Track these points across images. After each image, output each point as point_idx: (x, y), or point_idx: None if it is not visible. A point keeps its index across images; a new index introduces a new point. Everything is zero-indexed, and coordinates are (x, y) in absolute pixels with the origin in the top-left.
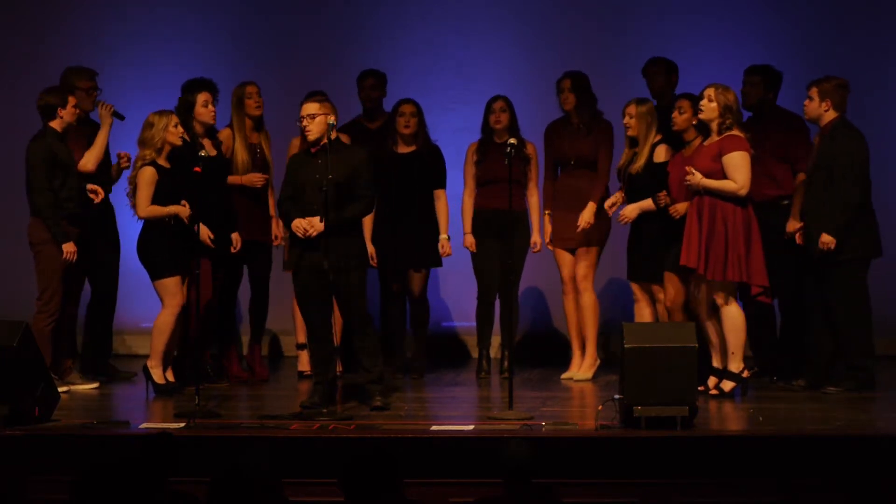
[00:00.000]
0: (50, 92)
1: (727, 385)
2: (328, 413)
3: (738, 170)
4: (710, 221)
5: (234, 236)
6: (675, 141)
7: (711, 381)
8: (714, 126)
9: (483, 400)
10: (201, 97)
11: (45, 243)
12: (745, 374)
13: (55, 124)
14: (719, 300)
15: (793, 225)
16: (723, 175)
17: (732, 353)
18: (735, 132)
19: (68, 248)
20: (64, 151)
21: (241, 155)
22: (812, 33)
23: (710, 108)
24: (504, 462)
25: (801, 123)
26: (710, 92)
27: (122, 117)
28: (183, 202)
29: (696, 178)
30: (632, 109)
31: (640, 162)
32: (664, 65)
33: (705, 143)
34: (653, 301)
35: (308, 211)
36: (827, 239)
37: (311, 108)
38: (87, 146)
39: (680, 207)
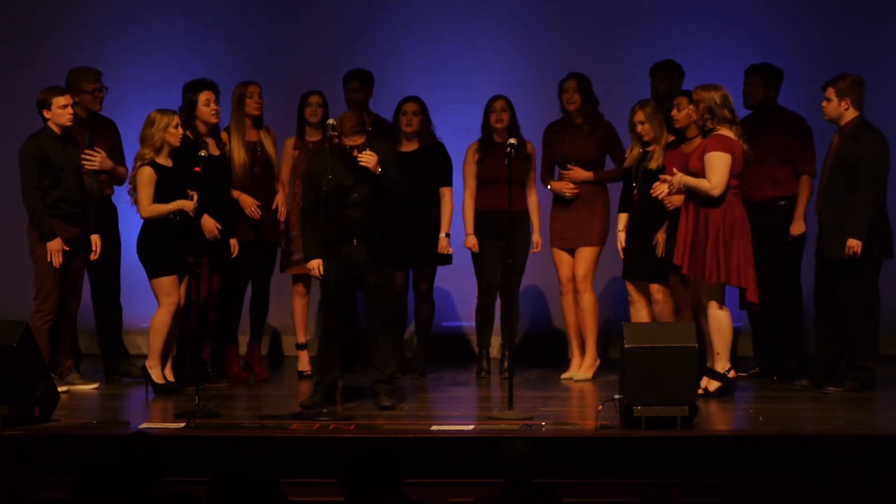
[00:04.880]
0: (42, 91)
1: (712, 385)
2: (328, 413)
3: (713, 170)
4: (694, 222)
5: (233, 242)
6: (680, 139)
7: (704, 381)
8: (697, 127)
9: (483, 400)
10: (203, 96)
11: (40, 242)
12: (732, 374)
13: (50, 123)
14: (704, 300)
15: (798, 228)
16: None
17: (717, 353)
18: (722, 132)
19: (52, 247)
20: (57, 151)
21: (238, 155)
22: (815, 32)
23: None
24: (504, 462)
25: (803, 124)
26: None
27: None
28: (191, 194)
29: (676, 178)
30: (640, 116)
31: (659, 160)
32: (671, 68)
33: (697, 143)
34: (649, 301)
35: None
36: (853, 243)
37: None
38: (104, 144)
39: (675, 199)
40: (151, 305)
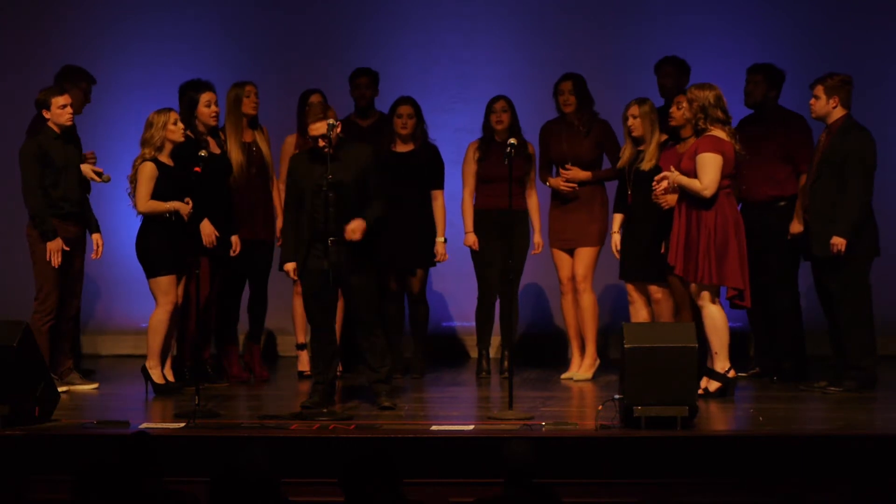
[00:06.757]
0: (42, 91)
1: (712, 385)
2: (328, 413)
3: (705, 171)
4: (686, 222)
5: (234, 239)
6: (678, 139)
7: (704, 381)
8: (692, 127)
9: (483, 400)
10: (205, 97)
11: (40, 242)
12: (731, 374)
13: (50, 123)
14: (698, 300)
15: (797, 227)
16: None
17: (716, 353)
18: (715, 132)
19: (51, 247)
20: (58, 151)
21: (235, 155)
22: (814, 32)
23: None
24: (504, 462)
25: (803, 124)
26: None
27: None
28: (186, 200)
29: (672, 175)
30: (634, 110)
31: (651, 161)
32: (676, 64)
33: (691, 143)
34: (649, 301)
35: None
36: (837, 241)
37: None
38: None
39: (670, 199)
40: (150, 307)
